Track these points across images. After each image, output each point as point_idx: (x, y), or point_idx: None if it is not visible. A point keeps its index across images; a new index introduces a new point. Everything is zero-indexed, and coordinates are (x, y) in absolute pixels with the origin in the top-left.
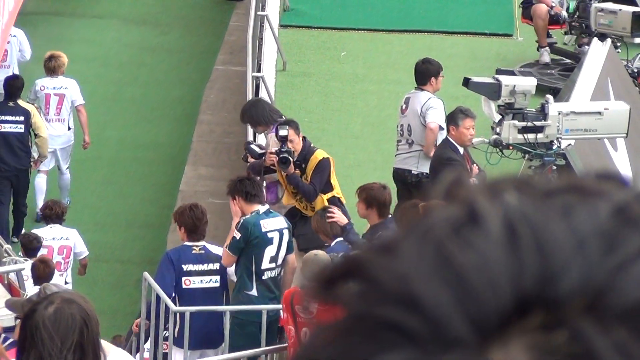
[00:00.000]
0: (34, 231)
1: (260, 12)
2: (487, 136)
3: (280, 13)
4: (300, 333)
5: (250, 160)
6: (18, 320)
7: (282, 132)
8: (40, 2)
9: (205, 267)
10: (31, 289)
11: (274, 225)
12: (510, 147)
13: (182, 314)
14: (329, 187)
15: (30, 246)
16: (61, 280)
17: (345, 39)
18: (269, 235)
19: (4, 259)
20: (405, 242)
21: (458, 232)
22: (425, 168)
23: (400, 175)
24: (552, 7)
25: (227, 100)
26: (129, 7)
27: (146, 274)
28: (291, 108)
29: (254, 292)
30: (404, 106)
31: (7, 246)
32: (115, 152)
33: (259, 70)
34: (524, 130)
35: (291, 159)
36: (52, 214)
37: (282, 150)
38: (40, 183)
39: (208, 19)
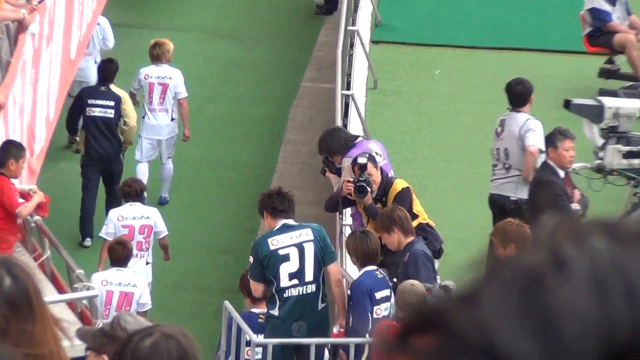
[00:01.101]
0: (117, 210)
1: (350, 27)
2: (589, 161)
3: (371, 28)
4: None
5: (329, 175)
6: (89, 352)
7: (362, 160)
8: (122, 14)
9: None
10: (109, 274)
11: (289, 240)
12: (615, 173)
13: (265, 347)
14: (412, 216)
15: (120, 257)
16: (142, 262)
17: (440, 56)
18: (281, 252)
19: (76, 285)
20: (486, 291)
21: (543, 280)
22: (524, 194)
23: (497, 202)
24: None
25: (315, 119)
26: (214, 20)
27: (227, 303)
28: (382, 128)
29: (276, 311)
30: (499, 129)
31: (79, 271)
32: (196, 172)
33: (348, 88)
34: (628, 155)
35: (369, 189)
36: (132, 192)
37: (360, 179)
38: (142, 170)
39: (295, 33)
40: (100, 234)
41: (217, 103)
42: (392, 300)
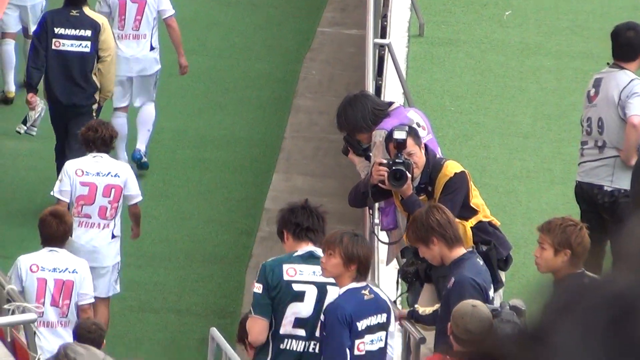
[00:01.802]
0: (76, 162)
1: None
2: None
3: None
4: None
5: (352, 157)
6: None
7: (399, 136)
8: None
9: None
10: (40, 257)
11: (310, 275)
12: None
13: None
14: (468, 212)
15: (54, 234)
16: (106, 234)
17: None
18: (296, 287)
19: (6, 306)
20: (562, 325)
21: (636, 311)
22: (623, 183)
23: (586, 193)
24: None
25: (336, 78)
26: None
27: (214, 331)
28: (429, 91)
29: None
30: (592, 92)
31: (10, 287)
32: (171, 152)
33: (383, 36)
34: None
35: (408, 174)
36: (97, 139)
37: (397, 161)
38: (119, 127)
39: None
40: (52, 192)
41: (200, 55)
42: (392, 327)
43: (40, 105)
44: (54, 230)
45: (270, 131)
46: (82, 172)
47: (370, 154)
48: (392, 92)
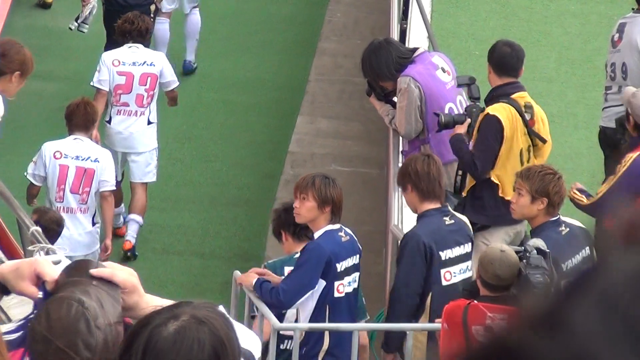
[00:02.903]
0: (113, 53)
1: None
2: None
3: None
4: None
5: (373, 100)
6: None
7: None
8: None
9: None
10: (64, 145)
11: None
12: None
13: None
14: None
15: (80, 121)
16: (142, 120)
17: None
18: None
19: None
20: (575, 312)
21: None
22: None
23: (610, 138)
24: None
25: (361, 22)
26: None
27: (237, 274)
28: (455, 34)
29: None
30: (616, 36)
31: (34, 228)
32: (196, 94)
33: None
34: None
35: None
36: (133, 30)
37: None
38: (161, 32)
39: None
40: (91, 82)
41: None
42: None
43: (92, 2)
44: (81, 116)
45: (294, 74)
46: (119, 62)
47: (395, 99)
48: (417, 35)
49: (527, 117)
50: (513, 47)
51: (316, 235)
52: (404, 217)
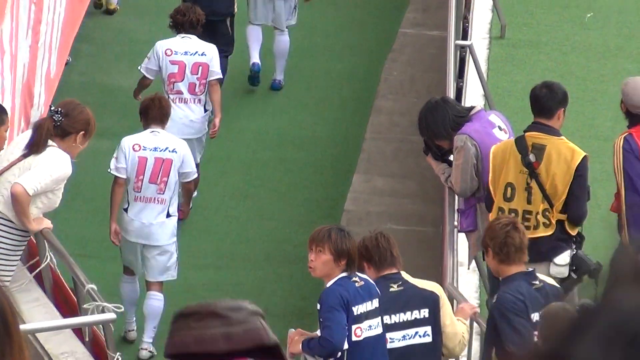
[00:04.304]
0: (165, 43)
1: None
2: None
3: None
4: None
5: (429, 159)
6: None
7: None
8: None
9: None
10: (142, 138)
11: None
12: None
13: None
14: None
15: (156, 115)
16: (198, 108)
17: None
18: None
19: (86, 306)
20: (580, 345)
21: None
22: None
23: None
24: None
25: (417, 80)
26: None
27: (292, 331)
28: (510, 93)
29: None
30: None
31: (89, 286)
32: (252, 152)
33: (464, 37)
34: None
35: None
36: (185, 22)
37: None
38: (253, 34)
39: None
40: (139, 67)
41: None
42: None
43: None
44: (156, 109)
45: (351, 131)
46: (172, 51)
47: (451, 158)
48: (473, 94)
49: (532, 158)
50: (551, 89)
51: (328, 284)
52: (459, 276)
